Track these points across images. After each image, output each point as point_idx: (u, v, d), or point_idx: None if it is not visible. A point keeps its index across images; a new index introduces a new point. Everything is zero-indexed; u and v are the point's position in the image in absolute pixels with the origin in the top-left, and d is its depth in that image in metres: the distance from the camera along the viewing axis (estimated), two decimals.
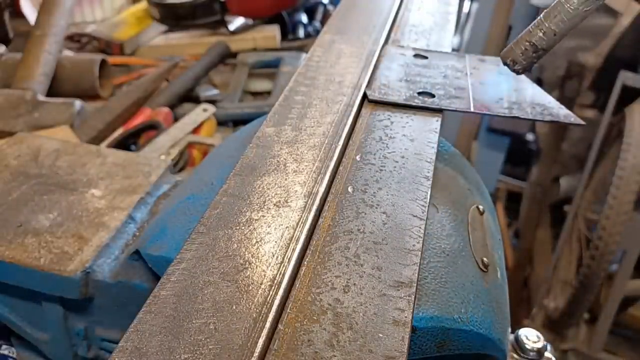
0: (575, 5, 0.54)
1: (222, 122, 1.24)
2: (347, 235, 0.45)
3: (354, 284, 0.41)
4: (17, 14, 1.62)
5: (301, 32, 1.67)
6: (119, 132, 1.15)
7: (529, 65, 0.57)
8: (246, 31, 1.59)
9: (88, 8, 1.76)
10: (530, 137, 3.12)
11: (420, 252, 0.44)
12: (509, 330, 0.55)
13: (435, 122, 0.61)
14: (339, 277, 0.42)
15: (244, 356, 0.35)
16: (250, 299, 0.39)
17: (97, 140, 1.12)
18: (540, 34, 0.55)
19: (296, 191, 0.49)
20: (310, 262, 0.43)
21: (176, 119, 1.19)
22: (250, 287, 0.40)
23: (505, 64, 0.58)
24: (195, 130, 1.15)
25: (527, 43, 0.56)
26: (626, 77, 2.08)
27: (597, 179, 2.27)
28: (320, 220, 0.47)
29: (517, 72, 0.58)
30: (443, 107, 0.63)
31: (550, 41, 0.55)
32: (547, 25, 0.54)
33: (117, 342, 0.36)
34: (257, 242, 0.44)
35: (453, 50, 0.79)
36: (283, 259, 0.42)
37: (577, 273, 2.06)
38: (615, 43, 2.29)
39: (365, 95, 0.64)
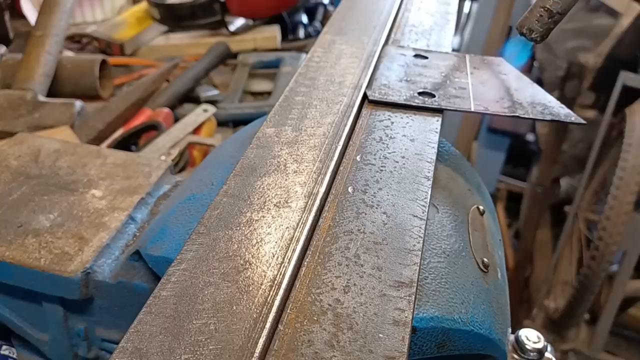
0: None
1: (222, 123, 1.25)
2: (347, 236, 0.45)
3: (354, 284, 0.41)
4: (18, 14, 1.63)
5: (301, 33, 1.68)
6: (119, 133, 1.15)
7: (545, 33, 0.56)
8: (246, 32, 1.59)
9: (88, 8, 1.76)
10: (530, 137, 3.12)
11: (420, 253, 0.44)
12: (510, 330, 0.55)
13: (435, 122, 0.61)
14: (339, 278, 0.42)
15: (244, 357, 0.35)
16: (251, 299, 0.39)
17: (97, 140, 1.12)
18: None
19: (296, 192, 0.49)
20: (311, 262, 0.43)
21: (176, 120, 1.20)
22: (251, 288, 0.40)
23: (521, 34, 0.57)
24: (196, 131, 1.15)
25: (542, 9, 0.54)
26: (626, 78, 2.08)
27: (597, 179, 2.27)
28: (321, 220, 0.47)
29: (535, 41, 0.57)
30: (443, 107, 0.63)
31: (565, 4, 0.53)
32: None
33: (117, 343, 0.36)
34: (257, 242, 0.44)
35: (453, 50, 0.79)
36: (283, 259, 0.42)
37: (577, 273, 2.06)
38: (616, 43, 2.29)
39: (365, 96, 0.64)
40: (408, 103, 0.63)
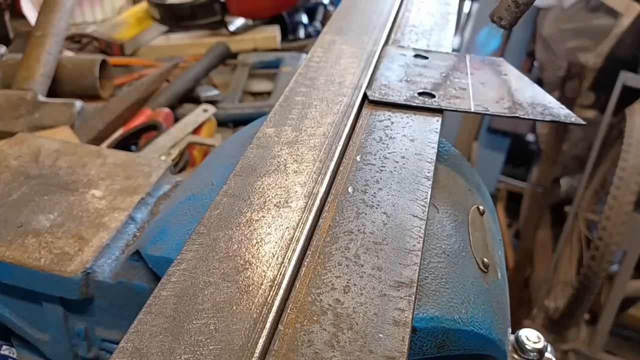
0: None
1: (222, 123, 1.25)
2: (347, 236, 0.45)
3: (354, 285, 0.41)
4: (18, 14, 1.63)
5: (301, 33, 1.68)
6: (119, 133, 1.15)
7: (513, 21, 0.64)
8: (246, 32, 1.59)
9: (88, 8, 1.76)
10: (530, 137, 3.12)
11: (420, 253, 0.44)
12: (510, 330, 0.55)
13: (435, 122, 0.61)
14: (339, 278, 0.42)
15: (244, 357, 0.35)
16: (251, 299, 0.39)
17: (97, 140, 1.12)
18: None
19: (296, 192, 0.49)
20: (311, 262, 0.43)
21: (176, 120, 1.19)
22: (251, 288, 0.40)
23: (493, 21, 0.65)
24: (196, 131, 1.15)
25: (510, 0, 0.63)
26: (626, 78, 2.08)
27: (597, 179, 2.27)
28: (321, 220, 0.47)
29: (504, 28, 0.66)
30: (443, 107, 0.63)
31: None
32: None
33: (117, 343, 0.36)
34: (257, 242, 0.44)
35: (453, 50, 0.79)
36: (283, 259, 0.42)
37: (577, 273, 2.06)
38: (616, 43, 2.29)
39: (365, 96, 0.64)
40: (408, 103, 0.63)
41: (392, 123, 0.60)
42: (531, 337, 0.60)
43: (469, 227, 0.55)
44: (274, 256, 0.42)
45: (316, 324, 0.38)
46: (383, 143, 0.57)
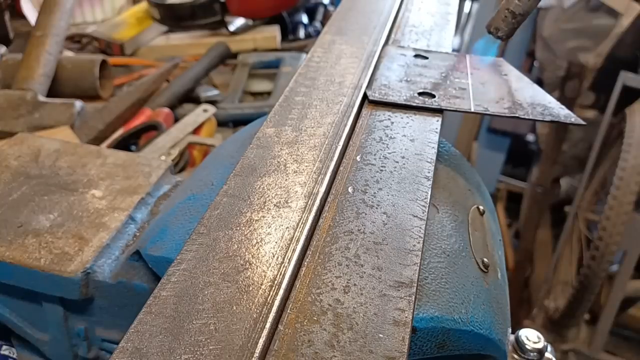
0: None
1: (222, 123, 1.25)
2: (347, 236, 0.45)
3: (354, 285, 0.41)
4: (18, 14, 1.63)
5: (301, 33, 1.67)
6: (119, 133, 1.15)
7: (510, 32, 0.64)
8: (246, 32, 1.59)
9: (88, 8, 1.76)
10: (530, 137, 3.12)
11: (420, 253, 0.44)
12: (510, 330, 0.55)
13: (435, 123, 0.61)
14: (339, 278, 0.42)
15: (244, 357, 0.35)
16: (251, 299, 0.39)
17: (97, 140, 1.12)
18: (516, 1, 0.62)
19: (296, 192, 0.49)
20: (311, 262, 0.43)
21: (176, 120, 1.19)
22: (251, 288, 0.40)
23: (489, 32, 0.65)
24: (196, 131, 1.15)
25: (506, 11, 0.63)
26: (626, 78, 2.08)
27: (597, 179, 2.27)
28: (321, 220, 0.47)
29: (501, 39, 0.65)
30: (443, 108, 0.63)
31: (525, 6, 0.62)
32: None
33: (117, 343, 0.36)
34: (257, 242, 0.44)
35: (453, 50, 0.79)
36: (283, 259, 0.42)
37: (577, 273, 2.06)
38: (616, 43, 2.29)
39: (365, 96, 0.64)
40: (408, 103, 0.63)
41: (392, 123, 0.60)
42: (531, 337, 0.60)
43: (469, 227, 0.55)
44: (274, 256, 0.42)
45: (316, 324, 0.38)
46: (383, 143, 0.57)
